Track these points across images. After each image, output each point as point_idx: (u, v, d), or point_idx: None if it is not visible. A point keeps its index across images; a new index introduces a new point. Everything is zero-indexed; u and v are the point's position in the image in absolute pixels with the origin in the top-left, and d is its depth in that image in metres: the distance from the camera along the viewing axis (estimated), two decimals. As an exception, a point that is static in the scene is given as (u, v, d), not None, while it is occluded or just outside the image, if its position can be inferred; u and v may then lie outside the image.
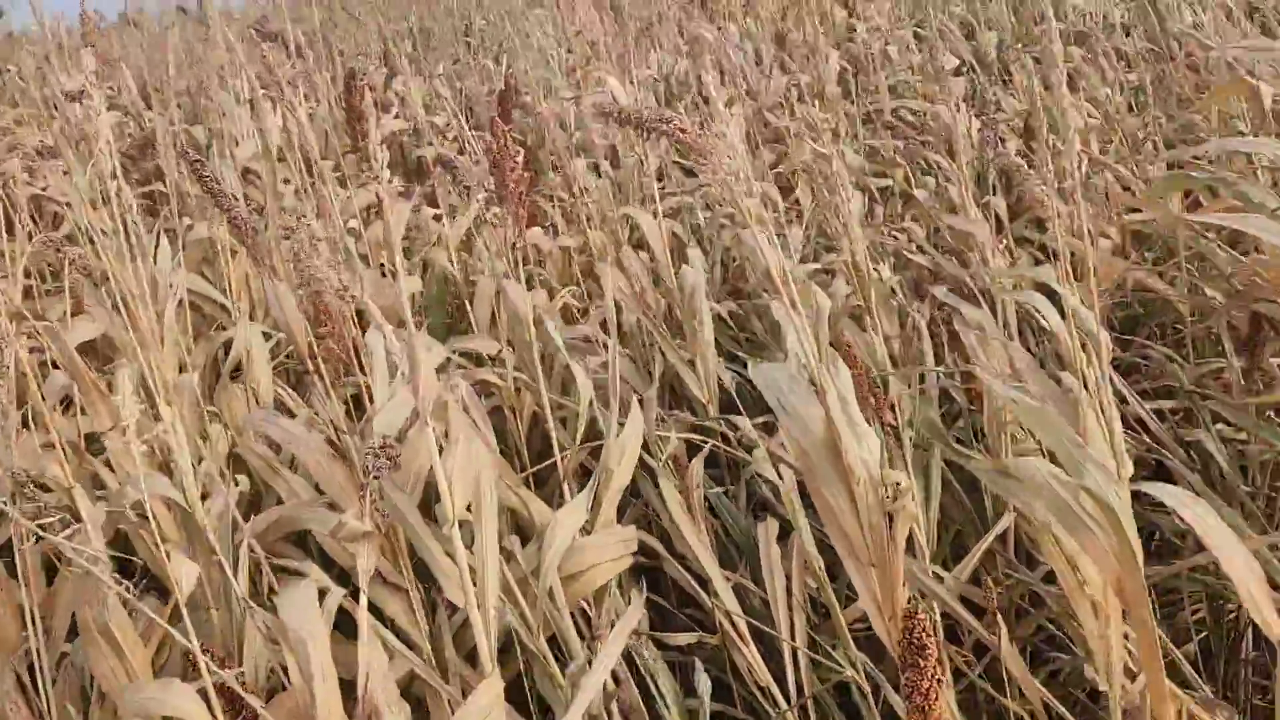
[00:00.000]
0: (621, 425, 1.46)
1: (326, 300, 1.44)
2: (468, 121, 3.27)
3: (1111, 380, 1.78)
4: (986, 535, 1.58)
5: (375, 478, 1.19)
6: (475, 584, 1.14)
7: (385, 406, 1.35)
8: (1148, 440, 1.68)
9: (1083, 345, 1.02)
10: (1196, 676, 1.27)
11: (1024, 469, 0.93)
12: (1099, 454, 0.91)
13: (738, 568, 1.64)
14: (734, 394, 1.86)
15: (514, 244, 1.71)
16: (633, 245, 2.16)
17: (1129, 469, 0.94)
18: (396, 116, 3.79)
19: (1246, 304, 1.69)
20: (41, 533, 1.18)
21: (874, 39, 4.17)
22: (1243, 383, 1.67)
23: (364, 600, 1.18)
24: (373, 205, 2.49)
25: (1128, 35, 3.49)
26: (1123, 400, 1.77)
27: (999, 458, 1.53)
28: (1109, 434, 0.94)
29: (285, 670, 1.14)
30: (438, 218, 2.45)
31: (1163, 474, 1.63)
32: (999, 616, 1.18)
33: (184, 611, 1.09)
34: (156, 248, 1.89)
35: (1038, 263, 2.39)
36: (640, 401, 1.55)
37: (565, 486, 1.60)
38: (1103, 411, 0.95)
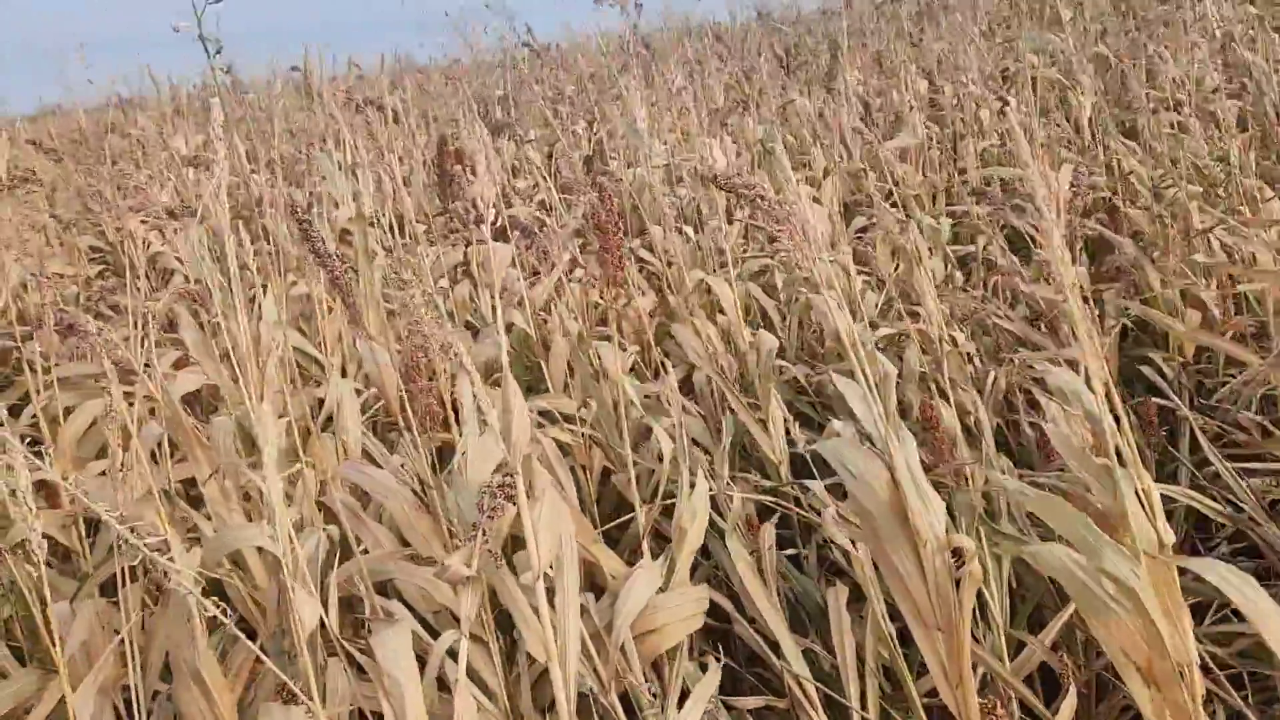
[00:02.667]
0: (692, 486, 1.48)
1: (430, 356, 1.49)
2: (555, 184, 3.37)
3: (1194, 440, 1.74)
4: (1066, 606, 1.55)
5: (491, 517, 1.17)
6: (556, 639, 1.16)
7: (474, 456, 1.37)
8: (1229, 508, 1.66)
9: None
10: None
11: (1044, 556, 0.92)
12: (1140, 529, 0.90)
13: (808, 632, 1.64)
14: (807, 456, 1.87)
15: (609, 304, 1.76)
16: (710, 307, 2.20)
17: (1170, 537, 0.93)
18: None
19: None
20: (153, 556, 1.23)
21: (967, 102, 4.17)
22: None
23: (464, 647, 1.18)
24: (459, 264, 2.57)
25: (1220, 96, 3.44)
26: (1206, 464, 1.74)
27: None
28: (1150, 508, 0.93)
29: (373, 714, 1.17)
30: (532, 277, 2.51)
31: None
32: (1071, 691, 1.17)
33: (265, 650, 1.15)
34: (260, 304, 1.99)
35: (1124, 334, 2.36)
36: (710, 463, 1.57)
37: (644, 544, 1.63)
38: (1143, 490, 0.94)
